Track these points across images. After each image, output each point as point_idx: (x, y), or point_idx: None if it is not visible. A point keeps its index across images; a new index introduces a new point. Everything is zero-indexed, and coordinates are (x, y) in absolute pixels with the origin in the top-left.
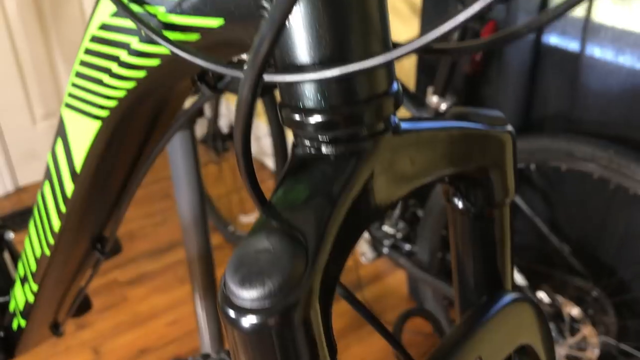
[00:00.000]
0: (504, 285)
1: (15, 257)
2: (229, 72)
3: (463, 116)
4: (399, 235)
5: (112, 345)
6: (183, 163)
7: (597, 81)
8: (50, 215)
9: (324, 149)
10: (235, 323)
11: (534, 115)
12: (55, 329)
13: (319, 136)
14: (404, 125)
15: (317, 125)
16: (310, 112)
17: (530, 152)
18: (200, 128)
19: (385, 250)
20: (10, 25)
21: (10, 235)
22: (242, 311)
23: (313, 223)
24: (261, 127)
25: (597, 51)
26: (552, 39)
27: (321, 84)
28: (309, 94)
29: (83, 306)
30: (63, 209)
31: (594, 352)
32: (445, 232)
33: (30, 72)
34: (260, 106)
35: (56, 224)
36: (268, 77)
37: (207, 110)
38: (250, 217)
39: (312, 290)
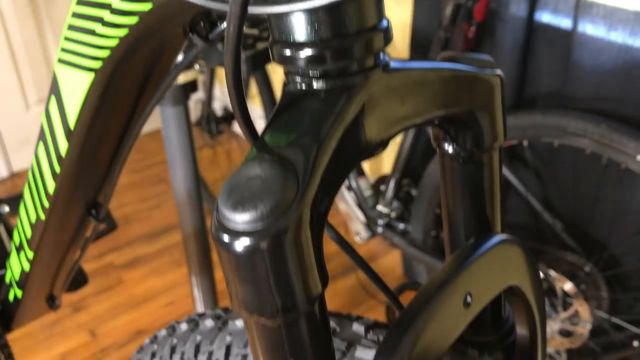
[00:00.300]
0: (492, 229)
1: (10, 231)
2: (216, 6)
3: (453, 59)
4: (393, 214)
5: (109, 326)
6: (177, 138)
7: (590, 58)
8: (45, 177)
9: (314, 84)
10: (228, 247)
11: (526, 93)
12: (52, 301)
13: (310, 71)
14: (394, 64)
15: (308, 59)
16: (300, 45)
17: (523, 128)
18: (194, 111)
19: (379, 229)
20: (2, 10)
21: (5, 208)
22: (235, 234)
23: (304, 153)
24: (255, 110)
25: (589, 28)
26: (545, 17)
27: (311, 15)
28: (299, 27)
29: (79, 280)
30: (57, 169)
31: (587, 326)
32: (439, 210)
33: (23, 57)
34: (254, 88)
35: (51, 185)
36: (258, 9)
37: (201, 93)
38: None
39: (302, 216)
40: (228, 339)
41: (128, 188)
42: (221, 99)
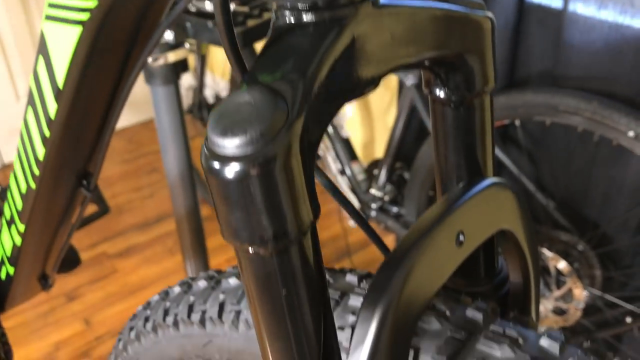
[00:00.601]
0: (484, 174)
1: (0, 209)
2: None
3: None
4: (387, 197)
5: (103, 315)
6: (168, 118)
7: (580, 36)
8: (34, 143)
9: (303, 18)
10: (219, 174)
11: (518, 73)
12: (44, 281)
13: (299, 4)
14: (384, 0)
15: None
16: None
17: (515, 108)
18: (185, 99)
19: (373, 213)
20: None
21: None
22: (226, 160)
23: (293, 82)
24: None
25: (579, 7)
26: None
27: None
28: None
29: (72, 261)
30: (47, 133)
31: (580, 304)
32: (432, 192)
33: (12, 48)
34: None
35: (40, 151)
36: None
37: (192, 80)
38: None
39: (292, 141)
40: (221, 297)
41: (120, 178)
42: (212, 86)
